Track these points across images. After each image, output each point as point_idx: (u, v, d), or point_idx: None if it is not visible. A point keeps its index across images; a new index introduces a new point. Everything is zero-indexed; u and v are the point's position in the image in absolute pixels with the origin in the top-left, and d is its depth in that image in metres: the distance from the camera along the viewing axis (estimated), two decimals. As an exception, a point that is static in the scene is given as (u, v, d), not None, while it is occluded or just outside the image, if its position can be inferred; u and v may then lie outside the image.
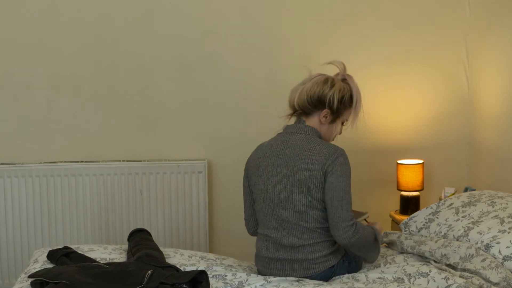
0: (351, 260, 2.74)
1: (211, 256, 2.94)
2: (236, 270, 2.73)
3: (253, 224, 2.85)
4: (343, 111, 2.70)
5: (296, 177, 2.59)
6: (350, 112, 2.73)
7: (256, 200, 2.75)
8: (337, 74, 2.77)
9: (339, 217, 2.55)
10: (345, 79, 2.74)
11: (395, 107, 3.94)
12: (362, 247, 2.63)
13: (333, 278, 2.68)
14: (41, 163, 3.78)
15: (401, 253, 2.91)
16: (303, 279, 2.62)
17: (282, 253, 2.65)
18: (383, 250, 2.98)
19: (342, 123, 2.77)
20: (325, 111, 2.67)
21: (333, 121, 2.71)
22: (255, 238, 3.47)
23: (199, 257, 2.86)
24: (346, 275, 2.67)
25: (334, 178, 2.55)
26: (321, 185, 2.57)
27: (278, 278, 2.59)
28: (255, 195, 2.75)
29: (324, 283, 2.55)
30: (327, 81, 2.69)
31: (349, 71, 3.87)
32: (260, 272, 2.76)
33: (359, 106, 2.71)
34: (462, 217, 2.93)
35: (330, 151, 2.59)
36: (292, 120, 2.78)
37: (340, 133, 2.79)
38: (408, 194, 3.78)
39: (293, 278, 2.62)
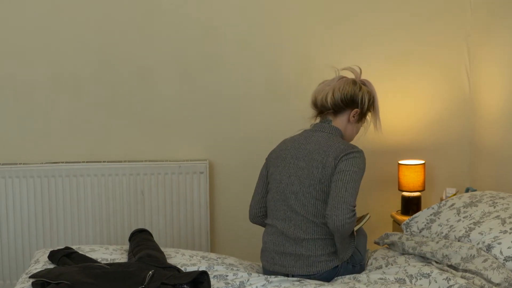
0: (356, 263, 2.75)
1: (212, 255, 2.94)
2: (237, 269, 2.73)
3: (256, 212, 2.91)
4: (367, 112, 2.82)
5: (310, 169, 2.65)
6: (369, 114, 2.85)
7: (270, 190, 2.80)
8: (356, 79, 2.87)
9: (341, 197, 2.53)
10: (365, 84, 2.85)
11: (396, 108, 3.94)
12: (345, 237, 2.62)
13: (335, 278, 2.68)
14: (42, 163, 3.79)
15: (403, 254, 2.91)
16: (304, 279, 2.62)
17: (287, 246, 2.67)
18: (384, 251, 2.99)
19: (361, 125, 2.87)
20: (356, 110, 2.77)
21: (359, 120, 2.82)
22: (256, 238, 3.47)
23: (200, 257, 2.86)
24: (347, 276, 2.67)
25: (344, 165, 2.59)
26: (331, 173, 2.61)
27: (279, 278, 2.60)
28: (270, 185, 2.81)
29: (326, 283, 2.55)
30: (356, 82, 2.80)
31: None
32: (264, 268, 2.78)
33: (378, 109, 2.84)
34: (464, 217, 2.93)
35: (347, 147, 2.66)
36: (318, 120, 2.85)
37: (356, 133, 2.86)
38: (409, 195, 3.77)
39: (295, 279, 2.62)
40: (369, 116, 2.86)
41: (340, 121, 2.78)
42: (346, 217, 2.52)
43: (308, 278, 2.66)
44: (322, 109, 2.80)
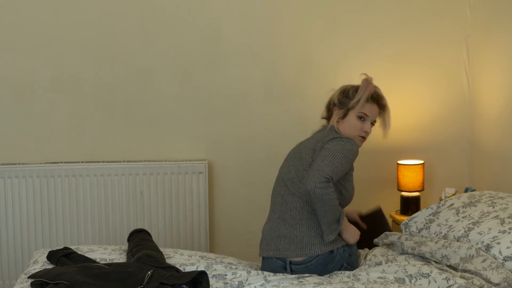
0: (352, 252, 2.78)
1: (211, 255, 2.94)
2: (236, 268, 2.74)
3: None
4: (348, 102, 2.90)
5: (303, 155, 2.83)
6: (363, 106, 2.90)
7: (276, 182, 2.98)
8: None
9: (316, 167, 2.64)
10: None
11: (395, 108, 3.91)
12: (325, 209, 2.63)
13: (334, 272, 2.69)
14: (41, 163, 3.79)
15: (402, 254, 2.91)
16: (303, 277, 2.62)
17: (283, 230, 2.76)
18: (383, 250, 2.98)
19: (361, 118, 2.90)
20: (335, 110, 2.93)
21: (345, 115, 2.91)
22: (256, 239, 3.48)
23: (199, 257, 2.87)
24: (347, 273, 2.67)
25: (328, 145, 2.74)
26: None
27: (278, 277, 2.60)
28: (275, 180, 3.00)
29: (324, 282, 2.54)
30: (341, 87, 2.99)
31: (349, 71, 3.91)
32: (263, 259, 2.82)
33: (364, 99, 2.89)
34: (463, 217, 2.93)
35: (337, 135, 2.83)
36: None
37: (364, 138, 2.93)
38: (409, 195, 3.77)
39: (293, 276, 2.62)
40: (371, 110, 2.93)
41: (332, 123, 2.94)
42: (317, 181, 2.60)
43: (305, 266, 2.69)
44: (324, 117, 3.04)
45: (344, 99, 2.92)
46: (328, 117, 2.99)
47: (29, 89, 3.79)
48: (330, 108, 2.98)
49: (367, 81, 2.96)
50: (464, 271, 2.57)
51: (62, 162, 3.80)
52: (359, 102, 2.89)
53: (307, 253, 2.70)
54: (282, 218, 2.79)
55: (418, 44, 3.92)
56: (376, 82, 3.88)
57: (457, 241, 2.80)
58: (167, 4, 3.80)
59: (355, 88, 2.94)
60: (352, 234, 2.82)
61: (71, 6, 3.75)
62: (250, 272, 2.65)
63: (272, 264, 2.78)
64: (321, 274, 2.73)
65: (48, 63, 3.78)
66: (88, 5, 3.76)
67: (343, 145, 2.73)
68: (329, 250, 2.70)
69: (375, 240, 3.11)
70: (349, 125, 2.91)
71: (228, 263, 2.82)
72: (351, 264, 2.78)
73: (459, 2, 3.91)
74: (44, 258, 2.76)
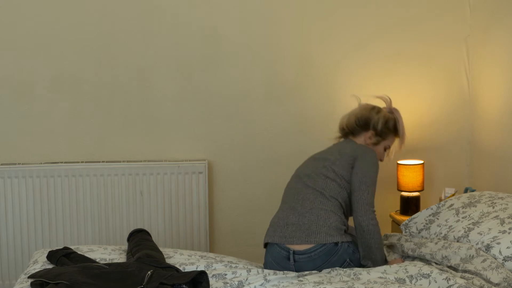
0: (357, 250, 2.81)
1: (211, 254, 2.94)
2: (236, 267, 2.73)
3: None
4: (386, 135, 3.08)
5: (325, 156, 2.98)
6: (393, 139, 3.13)
7: (289, 181, 3.07)
8: (384, 107, 3.16)
9: (364, 200, 2.81)
10: (391, 112, 3.14)
11: (394, 107, 3.93)
12: (372, 245, 2.77)
13: (335, 269, 2.70)
14: (41, 163, 3.78)
15: (402, 256, 2.92)
16: (303, 276, 2.62)
17: (291, 218, 2.82)
18: (384, 251, 2.98)
19: (385, 149, 3.10)
20: (370, 132, 3.05)
21: (377, 143, 3.07)
22: (255, 239, 3.50)
23: (199, 256, 2.87)
24: (347, 272, 2.67)
25: (365, 164, 2.88)
26: (348, 164, 2.89)
27: (278, 276, 2.60)
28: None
29: (324, 281, 2.54)
30: (374, 108, 3.11)
31: (349, 71, 3.90)
32: (266, 250, 2.87)
33: (403, 136, 3.13)
34: (463, 218, 2.93)
35: (364, 146, 3.00)
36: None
37: (381, 160, 3.09)
38: (408, 195, 3.77)
39: (293, 275, 2.62)
40: (394, 142, 3.15)
41: (358, 141, 3.07)
42: (369, 217, 2.80)
43: (309, 256, 2.71)
44: (342, 133, 3.13)
45: (385, 130, 3.07)
46: (350, 133, 3.09)
47: (29, 89, 3.78)
48: (359, 127, 3.06)
49: (401, 117, 3.13)
50: (464, 271, 2.57)
51: (62, 162, 3.80)
52: (398, 141, 3.13)
53: (312, 240, 2.73)
54: (293, 207, 2.86)
55: (418, 44, 3.92)
56: (375, 82, 3.91)
57: (457, 241, 2.80)
58: (167, 4, 3.80)
59: (394, 123, 3.09)
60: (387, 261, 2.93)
61: (71, 6, 3.75)
62: (250, 271, 2.64)
63: (276, 253, 2.80)
64: (323, 266, 2.74)
65: (48, 63, 3.78)
66: (88, 5, 3.76)
67: (376, 163, 2.93)
68: (334, 241, 2.73)
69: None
70: (376, 152, 3.06)
71: (228, 261, 2.82)
72: (354, 261, 2.80)
73: (459, 2, 3.91)
74: (44, 258, 2.76)
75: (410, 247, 2.89)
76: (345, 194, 2.87)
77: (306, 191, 2.87)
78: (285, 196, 2.98)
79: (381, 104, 3.19)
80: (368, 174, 2.86)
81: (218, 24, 3.83)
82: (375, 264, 2.79)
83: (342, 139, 3.13)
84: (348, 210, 2.91)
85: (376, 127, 3.04)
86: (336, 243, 2.74)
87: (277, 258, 2.79)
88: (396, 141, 3.17)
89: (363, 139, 3.06)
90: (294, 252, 2.74)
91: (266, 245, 2.90)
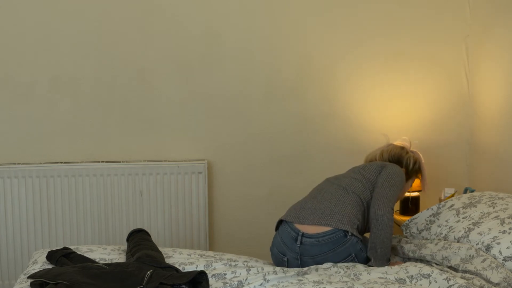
0: (364, 250, 2.84)
1: (210, 253, 2.94)
2: (235, 265, 2.73)
3: None
4: (412, 175, 3.25)
5: (354, 168, 3.12)
6: (414, 181, 3.30)
7: None
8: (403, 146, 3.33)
9: (385, 194, 2.90)
10: (412, 152, 3.31)
11: (394, 108, 3.94)
12: (382, 237, 2.81)
13: (336, 265, 2.71)
14: (41, 163, 3.78)
15: (403, 258, 2.92)
16: (302, 275, 2.62)
17: (309, 203, 2.92)
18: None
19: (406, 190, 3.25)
20: (403, 170, 3.14)
21: (406, 180, 3.15)
22: (255, 239, 3.50)
23: (198, 255, 2.87)
24: (347, 272, 2.67)
25: (392, 171, 3.01)
26: (376, 169, 3.03)
27: (277, 276, 2.60)
28: None
29: (324, 281, 2.54)
30: (403, 148, 3.30)
31: (349, 71, 3.90)
32: (281, 218, 2.96)
33: (425, 177, 3.32)
34: (463, 218, 2.93)
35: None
36: None
37: (400, 199, 3.29)
38: (408, 195, 3.77)
39: (293, 273, 2.62)
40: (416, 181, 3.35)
41: None
42: (387, 210, 2.84)
43: (316, 240, 2.76)
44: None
45: (414, 170, 3.23)
46: None
47: (29, 89, 3.78)
48: (390, 161, 3.21)
49: (422, 159, 3.30)
50: (465, 271, 2.57)
51: (61, 162, 3.80)
52: (421, 181, 3.33)
53: (324, 222, 2.80)
54: (313, 197, 2.97)
55: (418, 44, 3.92)
56: (375, 81, 3.91)
57: (458, 241, 2.80)
58: (166, 5, 3.79)
59: (420, 164, 3.27)
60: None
61: (71, 7, 3.75)
62: (249, 270, 2.64)
63: (285, 233, 2.88)
64: (327, 254, 2.78)
65: (48, 63, 3.77)
66: (88, 5, 3.75)
67: (403, 177, 3.06)
68: (344, 229, 2.79)
69: None
70: (403, 191, 3.17)
71: (228, 259, 2.82)
72: (359, 258, 2.82)
73: (458, 2, 3.91)
74: (43, 258, 2.76)
75: (410, 248, 2.89)
76: (368, 194, 2.96)
77: (331, 187, 3.00)
78: (310, 194, 3.08)
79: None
80: (393, 177, 2.98)
81: (218, 24, 3.83)
82: (378, 259, 2.80)
83: None
84: (367, 211, 2.94)
85: (408, 165, 3.20)
86: (346, 233, 2.78)
87: (285, 237, 2.87)
88: (416, 182, 3.40)
89: None
90: (303, 235, 2.81)
91: (278, 227, 2.99)
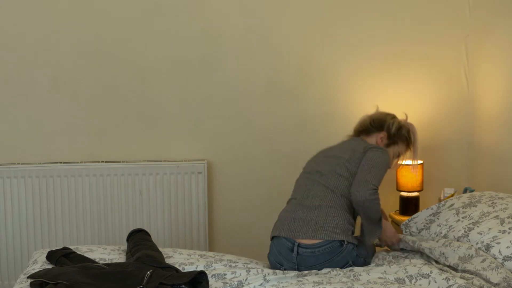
0: (361, 254, 2.82)
1: (210, 253, 2.94)
2: (235, 266, 2.73)
3: None
4: (398, 140, 3.13)
5: (338, 155, 2.99)
6: (405, 149, 3.17)
7: (299, 177, 3.08)
8: (401, 119, 3.23)
9: (364, 178, 2.82)
10: (406, 123, 3.21)
11: (394, 108, 3.92)
12: (370, 216, 2.81)
13: (334, 269, 2.70)
14: (40, 163, 3.78)
15: (402, 249, 2.92)
16: (302, 276, 2.62)
17: (299, 213, 2.85)
18: (384, 252, 2.99)
19: (395, 156, 3.13)
20: (383, 133, 3.11)
21: (388, 145, 3.11)
22: (254, 239, 3.50)
23: (198, 255, 2.87)
24: (347, 273, 2.67)
25: (372, 153, 2.92)
26: (359, 161, 2.91)
27: (277, 276, 2.60)
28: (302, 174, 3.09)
29: (324, 281, 2.54)
30: (390, 114, 3.20)
31: (349, 71, 3.90)
32: (272, 240, 2.89)
33: (416, 148, 3.19)
34: (463, 217, 2.93)
35: (377, 145, 3.03)
36: None
37: (390, 167, 3.07)
38: (408, 195, 3.77)
39: (292, 275, 2.62)
40: (405, 152, 3.19)
41: (370, 141, 3.10)
42: (367, 194, 2.77)
43: (312, 251, 2.72)
44: (355, 133, 3.18)
45: (398, 135, 3.12)
46: (364, 132, 3.14)
47: (29, 89, 3.78)
48: (372, 127, 3.13)
49: (415, 130, 3.20)
50: (464, 271, 2.57)
51: (61, 162, 3.80)
52: (410, 152, 3.18)
53: (318, 236, 2.75)
54: (301, 203, 2.89)
55: (417, 44, 3.92)
56: (375, 81, 3.91)
57: (457, 241, 2.80)
58: (166, 4, 3.79)
59: (407, 131, 3.15)
60: (389, 236, 2.98)
61: (70, 7, 3.75)
62: (249, 271, 2.64)
63: (281, 244, 2.83)
64: (324, 264, 2.75)
65: (48, 63, 3.77)
66: (88, 5, 3.75)
67: (385, 157, 2.95)
68: (339, 239, 2.75)
69: (377, 242, 3.12)
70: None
71: (228, 260, 2.82)
72: (356, 265, 2.81)
73: (458, 2, 3.91)
74: (43, 258, 2.76)
75: (411, 239, 2.91)
76: None
77: (317, 188, 2.90)
78: (295, 192, 3.01)
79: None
80: (373, 159, 2.89)
81: (217, 24, 3.83)
82: (367, 235, 2.85)
83: (353, 137, 3.18)
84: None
85: (390, 129, 3.10)
86: (342, 243, 2.76)
87: (282, 248, 2.83)
88: (408, 154, 3.24)
89: (375, 139, 3.11)
90: (299, 245, 2.78)
91: (273, 238, 2.93)
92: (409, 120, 3.28)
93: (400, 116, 3.26)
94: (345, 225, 2.79)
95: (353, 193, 2.81)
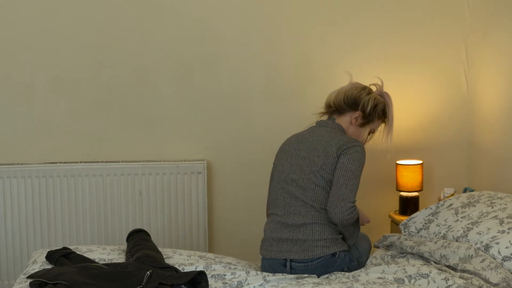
0: (353, 258, 2.80)
1: (210, 255, 2.94)
2: (235, 268, 2.74)
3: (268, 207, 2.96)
4: (374, 118, 2.92)
5: (312, 158, 2.77)
6: (379, 124, 2.98)
7: (272, 180, 2.91)
8: (376, 90, 3.00)
9: (341, 195, 2.67)
10: (382, 96, 2.97)
11: (394, 108, 3.92)
12: (348, 226, 2.76)
13: (333, 273, 2.70)
14: (40, 163, 3.78)
15: (401, 252, 2.92)
16: (302, 277, 2.62)
17: (285, 233, 2.75)
18: (384, 251, 2.98)
19: (369, 133, 2.96)
20: (358, 113, 2.90)
21: (362, 125, 2.93)
22: (254, 239, 3.48)
23: (198, 256, 2.87)
24: (346, 274, 2.67)
25: (346, 159, 2.72)
26: (333, 166, 2.73)
27: (277, 277, 2.60)
28: (273, 176, 2.91)
29: (323, 282, 2.55)
30: (365, 88, 2.94)
31: (349, 71, 3.88)
32: (263, 258, 2.82)
33: (391, 123, 2.97)
34: (462, 217, 2.93)
35: (349, 139, 2.80)
36: (325, 118, 2.97)
37: (364, 144, 2.93)
38: (407, 195, 3.77)
39: (292, 276, 2.63)
40: (381, 127, 2.99)
41: (343, 121, 2.91)
42: (345, 214, 2.66)
43: (305, 265, 2.69)
44: (328, 110, 2.96)
45: (374, 113, 2.91)
46: (337, 111, 2.92)
47: (28, 89, 3.78)
48: (347, 105, 2.89)
49: (391, 101, 2.97)
50: (463, 271, 2.57)
51: (61, 162, 3.80)
52: (384, 126, 2.97)
53: (310, 254, 2.70)
54: (284, 222, 2.77)
55: (417, 44, 3.92)
56: (375, 82, 3.90)
57: (456, 241, 2.80)
58: (166, 4, 3.80)
59: (383, 107, 2.93)
60: (362, 222, 2.91)
61: (70, 7, 3.75)
62: (249, 272, 2.65)
63: (272, 261, 2.79)
64: (319, 276, 2.73)
65: (47, 63, 3.78)
66: (87, 5, 3.76)
67: (360, 158, 2.76)
68: (331, 253, 2.71)
69: (375, 243, 3.12)
70: (358, 134, 2.94)
71: (227, 263, 2.82)
72: (351, 269, 2.80)
73: (457, 3, 3.91)
74: (43, 258, 2.76)
75: (409, 244, 2.89)
76: None
77: (296, 203, 2.75)
78: (274, 205, 2.85)
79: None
80: (348, 168, 2.70)
81: (217, 24, 3.83)
82: (349, 239, 2.81)
83: (325, 117, 2.96)
84: None
85: (365, 108, 2.88)
86: (334, 254, 2.73)
87: (274, 265, 2.78)
88: (382, 127, 3.03)
89: (349, 119, 2.90)
90: (292, 260, 2.74)
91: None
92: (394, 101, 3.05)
93: (376, 82, 3.04)
94: (333, 236, 2.74)
95: (330, 213, 2.68)
